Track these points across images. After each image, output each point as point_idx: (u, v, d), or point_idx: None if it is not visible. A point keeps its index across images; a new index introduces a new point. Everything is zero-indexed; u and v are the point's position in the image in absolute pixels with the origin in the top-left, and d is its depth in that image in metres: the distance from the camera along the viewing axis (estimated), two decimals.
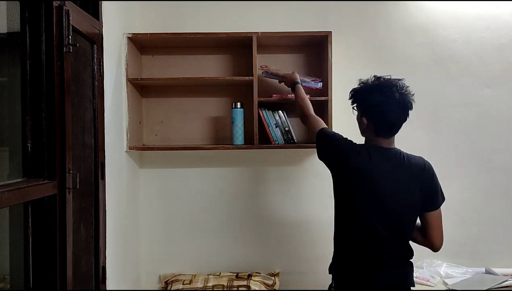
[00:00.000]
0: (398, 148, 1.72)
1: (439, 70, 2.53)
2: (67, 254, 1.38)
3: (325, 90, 2.31)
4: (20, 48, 1.30)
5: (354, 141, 1.74)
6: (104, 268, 1.80)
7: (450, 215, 2.55)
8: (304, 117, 1.98)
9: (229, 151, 2.50)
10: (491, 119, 2.54)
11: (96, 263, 1.74)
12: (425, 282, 2.30)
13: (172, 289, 2.37)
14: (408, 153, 1.71)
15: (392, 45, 2.53)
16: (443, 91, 2.53)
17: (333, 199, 1.74)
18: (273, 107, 2.36)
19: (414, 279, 2.35)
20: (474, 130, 2.53)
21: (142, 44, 2.43)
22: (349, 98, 1.79)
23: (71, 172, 1.42)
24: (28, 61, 1.31)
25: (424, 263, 2.46)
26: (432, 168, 1.69)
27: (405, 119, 1.66)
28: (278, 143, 2.33)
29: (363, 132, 1.76)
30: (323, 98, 2.30)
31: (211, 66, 2.50)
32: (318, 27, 2.43)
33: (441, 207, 1.74)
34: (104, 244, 1.81)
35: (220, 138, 2.51)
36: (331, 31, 2.27)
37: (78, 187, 1.46)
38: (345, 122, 2.50)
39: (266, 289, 2.37)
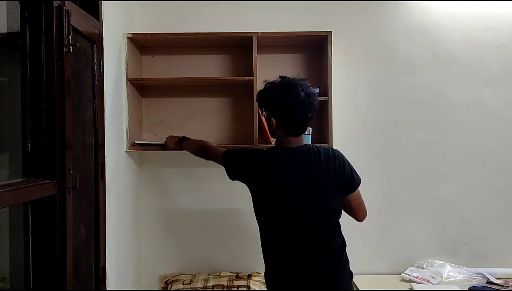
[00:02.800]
0: (308, 143, 1.76)
1: (439, 70, 2.53)
2: (67, 254, 1.38)
3: (325, 91, 2.31)
4: (20, 48, 1.30)
5: (258, 150, 1.81)
6: (104, 268, 1.80)
7: (450, 215, 2.56)
8: (207, 155, 2.04)
9: None
10: (491, 119, 2.54)
11: (96, 263, 1.74)
12: (425, 282, 2.30)
13: (172, 289, 2.37)
14: (318, 145, 1.76)
15: (392, 45, 2.53)
16: (443, 91, 2.53)
17: (256, 212, 1.78)
18: None
19: (415, 278, 2.37)
20: (474, 130, 2.53)
21: (142, 44, 2.43)
22: (256, 100, 1.81)
23: (71, 172, 1.42)
24: (28, 61, 1.31)
25: (425, 263, 2.46)
26: (341, 154, 1.75)
27: (311, 118, 1.71)
28: None
29: (272, 134, 1.82)
30: (323, 98, 2.29)
31: (211, 66, 2.50)
32: (318, 27, 2.43)
33: (359, 189, 1.78)
34: (104, 244, 1.81)
35: (220, 138, 2.51)
36: (331, 31, 2.27)
37: (78, 187, 1.46)
38: (345, 122, 2.51)
39: (266, 289, 2.37)
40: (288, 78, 1.72)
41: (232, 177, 1.82)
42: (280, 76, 1.73)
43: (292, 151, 1.70)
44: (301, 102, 1.64)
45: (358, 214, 1.81)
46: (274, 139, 1.83)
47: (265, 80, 1.76)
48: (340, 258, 1.72)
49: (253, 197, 1.77)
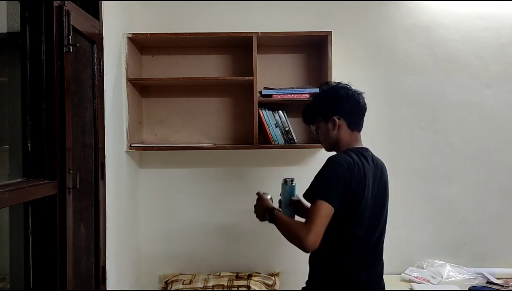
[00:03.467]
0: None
1: (439, 70, 2.53)
2: (67, 254, 1.38)
3: None
4: (20, 48, 1.30)
5: (343, 161, 1.56)
6: (104, 268, 1.80)
7: (450, 215, 2.56)
8: (292, 229, 1.62)
9: (229, 151, 2.50)
10: (491, 119, 2.54)
11: (96, 263, 1.74)
12: (425, 282, 2.30)
13: (172, 289, 2.37)
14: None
15: (392, 45, 2.53)
16: (443, 91, 2.53)
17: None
18: (273, 107, 2.36)
19: (415, 278, 2.37)
20: (474, 130, 2.53)
21: (142, 44, 2.43)
22: (307, 113, 1.77)
23: (71, 172, 1.42)
24: (28, 61, 1.31)
25: (425, 263, 2.46)
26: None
27: (366, 110, 1.75)
28: (278, 143, 2.33)
29: (334, 139, 1.67)
30: None
31: (211, 66, 2.50)
32: (318, 27, 2.43)
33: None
34: (104, 244, 1.81)
35: (220, 138, 2.51)
36: (331, 31, 2.27)
37: (78, 187, 1.46)
38: None
39: (266, 289, 2.37)
40: (331, 82, 1.79)
41: (335, 202, 1.51)
42: (322, 84, 1.83)
43: (365, 151, 1.65)
44: (356, 95, 1.70)
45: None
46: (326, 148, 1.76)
47: (310, 95, 1.86)
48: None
49: (346, 205, 1.54)
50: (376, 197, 1.60)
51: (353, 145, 1.67)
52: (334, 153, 1.69)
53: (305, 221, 1.53)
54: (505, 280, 2.33)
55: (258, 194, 1.83)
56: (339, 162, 1.54)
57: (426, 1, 2.52)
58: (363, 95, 1.73)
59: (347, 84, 1.72)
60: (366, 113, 2.63)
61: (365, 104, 1.72)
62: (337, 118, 1.65)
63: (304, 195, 1.58)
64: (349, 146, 1.66)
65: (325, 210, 1.48)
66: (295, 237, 1.53)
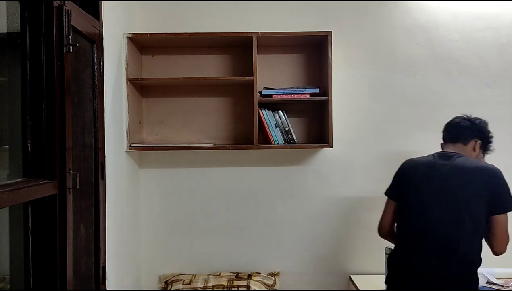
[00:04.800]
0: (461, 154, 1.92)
1: (439, 70, 2.53)
2: (67, 254, 1.38)
3: (325, 91, 2.31)
4: (20, 48, 1.30)
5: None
6: (104, 268, 1.80)
7: None
8: None
9: (229, 151, 2.50)
10: (491, 119, 2.54)
11: (96, 263, 1.74)
12: None
13: (172, 289, 2.37)
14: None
15: (392, 45, 2.53)
16: (443, 91, 2.53)
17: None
18: (273, 107, 2.36)
19: None
20: None
21: (142, 44, 2.43)
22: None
23: (71, 172, 1.42)
24: (28, 61, 1.31)
25: None
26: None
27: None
28: (278, 144, 2.33)
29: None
30: (323, 98, 2.30)
31: (211, 66, 2.50)
32: (318, 27, 2.44)
33: None
34: (104, 244, 1.81)
35: (220, 138, 2.51)
36: (331, 31, 2.27)
37: (78, 187, 1.46)
38: (345, 122, 2.51)
39: (266, 289, 2.37)
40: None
41: (392, 195, 2.00)
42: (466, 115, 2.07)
43: (448, 155, 1.93)
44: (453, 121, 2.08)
45: (496, 241, 1.83)
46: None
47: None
48: None
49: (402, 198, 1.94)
50: (443, 190, 1.84)
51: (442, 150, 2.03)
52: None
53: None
54: (505, 280, 2.33)
55: None
56: (402, 164, 2.01)
57: (426, 1, 2.52)
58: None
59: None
60: (366, 113, 2.64)
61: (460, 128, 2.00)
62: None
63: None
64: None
65: (387, 204, 1.99)
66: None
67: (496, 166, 1.85)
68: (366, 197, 2.54)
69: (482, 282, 2.29)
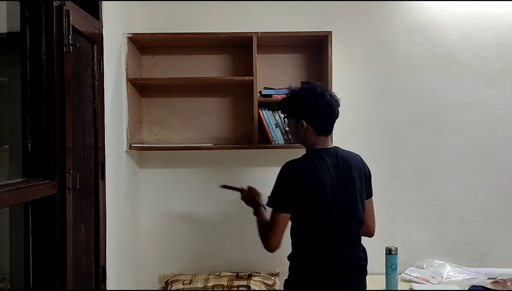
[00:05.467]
0: (336, 145, 1.80)
1: (439, 70, 2.53)
2: (67, 254, 1.38)
3: None
4: (20, 48, 1.30)
5: (295, 165, 1.74)
6: (104, 268, 1.80)
7: (450, 215, 2.56)
8: (265, 228, 1.78)
9: (229, 151, 2.50)
10: (491, 119, 2.54)
11: (96, 263, 1.74)
12: (425, 282, 2.30)
13: (172, 289, 2.37)
14: (345, 149, 1.81)
15: (392, 45, 2.53)
16: (443, 91, 2.53)
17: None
18: (273, 107, 2.36)
19: (415, 278, 2.37)
20: (474, 130, 2.53)
21: (142, 44, 2.43)
22: (281, 107, 1.86)
23: (71, 172, 1.42)
24: (28, 61, 1.31)
25: (425, 263, 2.46)
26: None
27: (337, 116, 1.78)
28: (278, 144, 2.33)
29: (301, 140, 1.80)
30: None
31: (211, 66, 2.50)
32: (318, 27, 2.43)
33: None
34: (104, 244, 1.81)
35: (220, 138, 2.51)
36: (331, 31, 2.27)
37: (78, 187, 1.46)
38: (345, 122, 2.51)
39: (266, 289, 2.37)
40: (312, 83, 1.85)
41: (287, 208, 1.69)
42: (303, 82, 1.86)
43: (329, 151, 1.74)
44: (329, 102, 1.74)
45: (373, 221, 1.87)
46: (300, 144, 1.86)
47: (289, 87, 1.87)
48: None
49: (302, 211, 1.69)
50: (340, 191, 1.68)
51: (317, 147, 1.75)
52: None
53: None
54: (505, 280, 2.33)
55: (251, 188, 2.05)
56: (287, 169, 1.73)
57: (426, 1, 2.52)
58: (339, 101, 1.79)
59: (325, 89, 1.78)
60: (366, 113, 2.64)
61: (338, 111, 1.78)
62: (305, 122, 1.74)
63: (267, 204, 1.75)
64: (312, 147, 1.76)
65: (281, 218, 1.68)
66: (261, 239, 1.75)
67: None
68: None
69: (482, 282, 2.29)
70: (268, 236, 1.70)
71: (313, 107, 1.73)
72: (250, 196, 2.02)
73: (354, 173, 1.72)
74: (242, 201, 2.06)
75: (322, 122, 1.74)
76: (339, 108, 1.78)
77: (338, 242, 1.70)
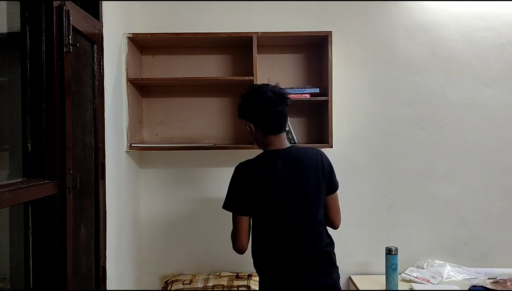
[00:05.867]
0: (291, 145, 1.81)
1: (439, 70, 2.53)
2: (67, 254, 1.38)
3: (325, 91, 2.31)
4: (20, 48, 1.30)
5: (244, 164, 1.79)
6: (104, 268, 1.80)
7: (450, 215, 2.56)
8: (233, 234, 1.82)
9: (229, 151, 2.50)
10: (491, 119, 2.54)
11: (96, 263, 1.74)
12: (425, 282, 2.30)
13: (172, 289, 2.37)
14: (302, 147, 1.82)
15: (392, 45, 2.53)
16: (443, 91, 2.53)
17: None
18: None
19: (415, 278, 2.37)
20: (474, 130, 2.53)
21: (142, 44, 2.43)
22: (239, 117, 1.85)
23: (71, 172, 1.42)
24: (28, 61, 1.30)
25: (425, 263, 2.46)
26: (324, 153, 1.82)
27: (285, 115, 1.78)
28: None
29: (256, 140, 1.83)
30: (323, 98, 2.30)
31: (211, 66, 2.50)
32: (318, 27, 2.44)
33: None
34: (104, 244, 1.80)
35: (220, 138, 2.51)
36: (331, 31, 2.27)
37: (78, 187, 1.46)
38: (345, 122, 2.51)
39: None
40: (258, 84, 1.85)
41: (242, 210, 1.75)
42: (250, 86, 1.88)
43: (280, 152, 1.75)
44: (269, 99, 1.74)
45: (337, 217, 1.86)
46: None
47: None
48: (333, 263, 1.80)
49: (254, 210, 1.76)
50: (292, 189, 1.70)
51: (269, 147, 1.77)
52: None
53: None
54: (505, 280, 2.33)
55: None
56: (236, 171, 1.78)
57: (426, 1, 2.52)
58: (288, 97, 1.79)
59: (269, 88, 1.77)
60: (366, 113, 2.64)
61: (284, 109, 1.76)
62: (252, 125, 1.77)
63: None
64: (265, 148, 1.79)
65: (239, 220, 1.74)
66: (231, 240, 1.79)
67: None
68: (366, 197, 2.54)
69: (482, 282, 2.29)
70: (232, 239, 1.77)
71: (253, 109, 1.76)
72: None
73: (307, 171, 1.72)
74: None
75: (266, 123, 1.75)
76: (286, 105, 1.76)
77: (294, 239, 1.71)
